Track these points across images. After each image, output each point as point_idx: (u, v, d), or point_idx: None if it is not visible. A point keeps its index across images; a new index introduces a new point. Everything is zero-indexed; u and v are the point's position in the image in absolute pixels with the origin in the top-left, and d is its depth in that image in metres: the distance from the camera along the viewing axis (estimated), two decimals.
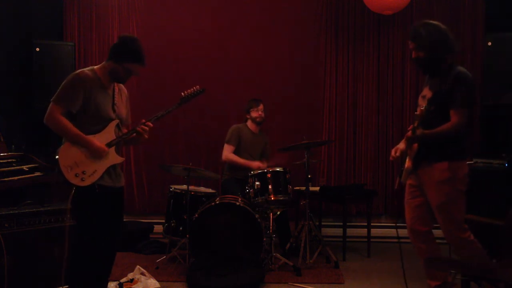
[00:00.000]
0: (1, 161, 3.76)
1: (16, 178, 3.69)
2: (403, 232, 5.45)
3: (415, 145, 3.02)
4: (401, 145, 3.18)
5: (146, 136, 2.92)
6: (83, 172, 2.71)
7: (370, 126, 5.60)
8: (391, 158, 3.21)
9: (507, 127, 4.89)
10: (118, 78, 2.86)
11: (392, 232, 5.55)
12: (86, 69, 2.82)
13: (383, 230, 5.53)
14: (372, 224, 4.92)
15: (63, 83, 2.75)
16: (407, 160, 3.08)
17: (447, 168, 2.97)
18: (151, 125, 2.89)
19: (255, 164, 4.70)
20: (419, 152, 3.02)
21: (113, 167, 2.85)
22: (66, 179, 2.69)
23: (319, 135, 5.59)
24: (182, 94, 3.02)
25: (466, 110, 2.94)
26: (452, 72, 2.98)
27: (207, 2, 5.70)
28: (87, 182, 2.71)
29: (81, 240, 2.78)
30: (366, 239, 4.88)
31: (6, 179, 3.61)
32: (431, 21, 3.10)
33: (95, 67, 2.87)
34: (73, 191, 2.71)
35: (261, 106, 4.90)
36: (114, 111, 2.85)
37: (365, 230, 4.89)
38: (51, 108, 2.71)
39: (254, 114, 4.89)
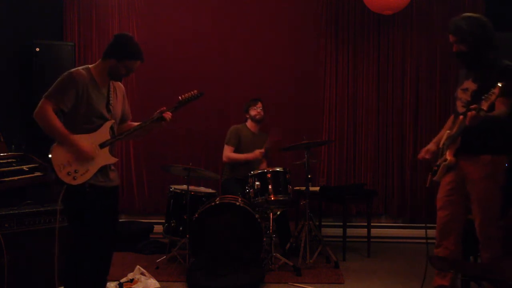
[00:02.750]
0: (1, 161, 3.76)
1: (16, 178, 3.68)
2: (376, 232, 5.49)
3: (459, 138, 2.98)
4: (432, 146, 3.18)
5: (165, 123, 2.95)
6: (75, 171, 2.69)
7: (370, 126, 5.60)
8: (419, 157, 3.22)
9: (507, 127, 4.88)
10: (118, 76, 2.85)
11: (392, 232, 5.57)
12: (80, 68, 2.80)
13: (383, 230, 5.54)
14: (372, 224, 4.92)
15: (57, 80, 2.74)
16: (447, 154, 3.03)
17: (490, 161, 2.96)
18: (169, 114, 2.95)
19: (255, 153, 4.69)
20: (463, 144, 2.98)
21: (105, 167, 2.82)
22: (58, 177, 2.67)
23: (319, 135, 5.58)
24: (180, 98, 3.01)
25: (510, 100, 2.89)
26: (498, 66, 2.96)
27: (207, 2, 5.69)
28: (79, 181, 2.70)
29: (75, 240, 2.76)
30: (366, 239, 4.88)
31: (6, 179, 3.61)
32: (473, 15, 3.08)
33: (90, 66, 2.85)
34: (64, 190, 2.71)
35: (259, 104, 4.91)
36: (109, 110, 2.83)
37: (365, 230, 4.89)
38: (42, 102, 2.69)
39: (253, 112, 4.89)
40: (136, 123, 3.01)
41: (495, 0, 5.30)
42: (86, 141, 2.73)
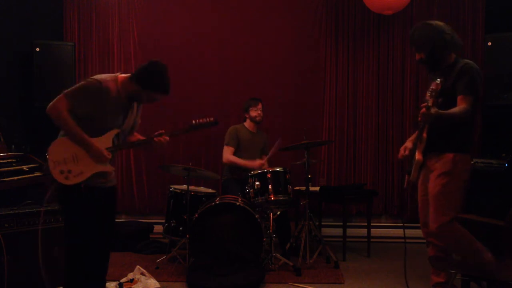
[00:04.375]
0: (1, 161, 3.76)
1: (16, 178, 3.69)
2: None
3: (425, 136, 3.05)
4: (409, 144, 3.25)
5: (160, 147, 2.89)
6: (69, 171, 2.65)
7: (370, 126, 5.59)
8: (399, 156, 3.28)
9: (507, 127, 4.89)
10: (139, 101, 2.82)
11: (392, 232, 5.56)
12: (110, 79, 2.71)
13: (383, 230, 5.53)
14: (372, 224, 4.92)
15: (82, 83, 2.67)
16: (416, 153, 3.10)
17: (451, 159, 3.04)
18: (167, 138, 2.88)
19: (256, 163, 4.70)
20: (428, 143, 3.07)
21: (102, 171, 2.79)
22: (50, 173, 2.65)
23: (319, 135, 5.59)
24: (193, 122, 2.97)
25: (470, 97, 3.00)
26: (457, 66, 3.08)
27: (207, 2, 5.69)
28: (71, 181, 2.65)
29: (73, 241, 2.74)
30: (366, 239, 4.88)
31: (6, 179, 3.61)
32: (428, 22, 3.19)
33: (119, 76, 2.77)
34: (53, 187, 2.68)
35: (260, 105, 4.90)
36: (122, 123, 2.80)
37: (365, 230, 4.89)
38: (59, 99, 2.63)
39: (253, 113, 4.89)
40: (139, 136, 3.00)
41: (495, 0, 5.30)
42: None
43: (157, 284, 3.69)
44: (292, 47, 5.64)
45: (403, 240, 5.39)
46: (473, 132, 3.21)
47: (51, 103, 2.64)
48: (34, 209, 3.33)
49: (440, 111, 2.88)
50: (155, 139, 2.84)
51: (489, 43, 4.78)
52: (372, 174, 5.58)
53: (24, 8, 5.08)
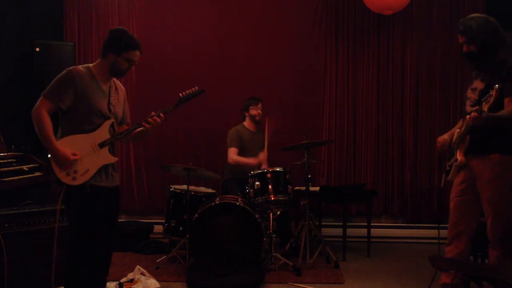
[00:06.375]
0: (1, 161, 3.75)
1: (16, 178, 3.68)
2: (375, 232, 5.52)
3: (468, 137, 2.96)
4: (447, 137, 3.15)
5: (150, 128, 2.89)
6: (75, 171, 2.67)
7: (370, 126, 5.60)
8: (438, 145, 3.18)
9: None
10: (120, 70, 2.83)
11: (392, 232, 5.57)
12: (80, 66, 2.79)
13: (383, 230, 5.53)
14: (372, 224, 4.92)
15: (55, 78, 2.73)
16: (457, 154, 3.02)
17: (498, 161, 2.92)
18: (158, 120, 2.88)
19: (259, 157, 4.74)
20: (472, 144, 2.97)
21: (106, 167, 2.81)
22: (57, 178, 2.66)
23: (319, 135, 5.59)
24: (180, 94, 3.00)
25: None
26: (506, 65, 2.91)
27: (207, 3, 5.69)
28: (79, 181, 2.68)
29: (75, 241, 2.75)
30: (366, 239, 4.88)
31: (6, 179, 3.60)
32: (480, 15, 3.06)
33: (90, 65, 2.84)
34: (64, 190, 2.69)
35: (260, 105, 4.91)
36: (109, 110, 2.82)
37: (365, 230, 4.89)
38: (39, 101, 2.68)
39: (253, 112, 4.89)
40: None
41: (495, 0, 5.30)
42: (83, 142, 2.71)
43: (157, 284, 3.69)
44: (292, 47, 5.64)
45: (403, 240, 5.45)
46: None
47: (34, 107, 2.68)
48: (34, 209, 3.33)
49: (491, 114, 2.72)
50: (149, 119, 2.87)
51: None
52: (372, 174, 5.59)
53: (24, 8, 5.08)
